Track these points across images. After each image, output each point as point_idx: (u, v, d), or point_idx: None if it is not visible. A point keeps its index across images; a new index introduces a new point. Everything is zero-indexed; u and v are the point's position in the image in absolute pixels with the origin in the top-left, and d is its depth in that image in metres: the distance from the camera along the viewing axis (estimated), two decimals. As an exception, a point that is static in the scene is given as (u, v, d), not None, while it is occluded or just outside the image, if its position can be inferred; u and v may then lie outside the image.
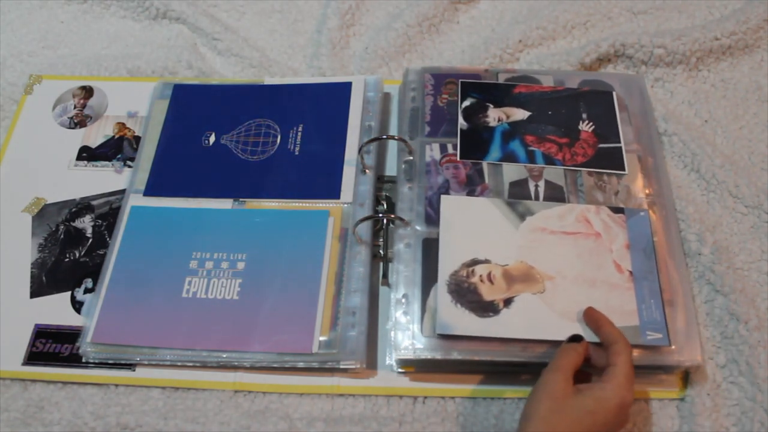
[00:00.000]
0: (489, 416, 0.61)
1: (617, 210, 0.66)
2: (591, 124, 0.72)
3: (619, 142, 0.71)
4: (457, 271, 0.63)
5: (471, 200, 0.67)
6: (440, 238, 0.64)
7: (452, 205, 0.66)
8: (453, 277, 0.62)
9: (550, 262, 0.63)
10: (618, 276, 0.62)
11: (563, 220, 0.65)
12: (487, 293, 0.62)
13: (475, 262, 0.63)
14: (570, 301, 0.61)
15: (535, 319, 0.60)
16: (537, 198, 0.68)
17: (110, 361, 0.63)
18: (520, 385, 0.61)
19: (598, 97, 0.74)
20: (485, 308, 0.61)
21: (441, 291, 0.62)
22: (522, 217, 0.65)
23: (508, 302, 0.61)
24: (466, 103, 0.73)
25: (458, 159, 0.70)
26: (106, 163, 0.76)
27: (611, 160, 0.70)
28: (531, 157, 0.70)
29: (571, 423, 0.50)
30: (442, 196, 0.67)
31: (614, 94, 0.74)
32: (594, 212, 0.65)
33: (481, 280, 0.62)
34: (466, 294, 0.62)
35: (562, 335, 0.58)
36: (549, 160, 0.69)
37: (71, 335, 0.65)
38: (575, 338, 0.58)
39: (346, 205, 0.69)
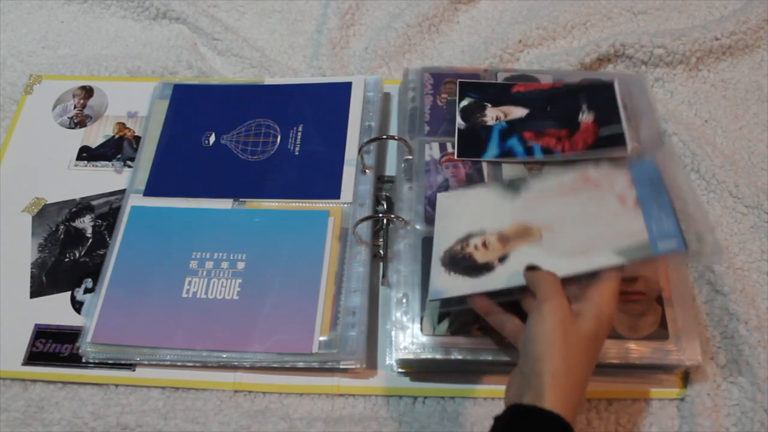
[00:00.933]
0: (489, 416, 0.61)
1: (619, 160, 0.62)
2: (591, 113, 0.71)
3: (620, 122, 0.69)
4: (452, 247, 0.61)
5: (466, 191, 0.66)
6: (435, 225, 0.63)
7: (448, 198, 0.65)
8: (447, 252, 0.60)
9: (547, 215, 0.59)
10: (622, 207, 0.57)
11: (562, 184, 0.61)
12: (482, 257, 0.59)
13: (469, 236, 0.61)
14: (571, 241, 0.56)
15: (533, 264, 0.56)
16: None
17: (110, 361, 0.63)
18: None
19: (598, 89, 0.73)
20: (479, 269, 0.58)
21: (435, 265, 0.60)
22: (518, 190, 0.62)
23: (502, 259, 0.58)
24: (464, 102, 0.73)
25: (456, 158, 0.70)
26: (106, 163, 0.76)
27: (612, 141, 0.68)
28: (529, 152, 0.69)
29: (580, 353, 0.48)
30: (438, 195, 0.66)
31: (615, 83, 0.72)
32: (593, 167, 0.61)
33: (476, 248, 0.60)
34: (459, 262, 0.59)
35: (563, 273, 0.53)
36: (548, 153, 0.69)
37: (71, 335, 0.65)
38: (533, 267, 0.54)
39: (346, 205, 0.69)
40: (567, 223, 0.58)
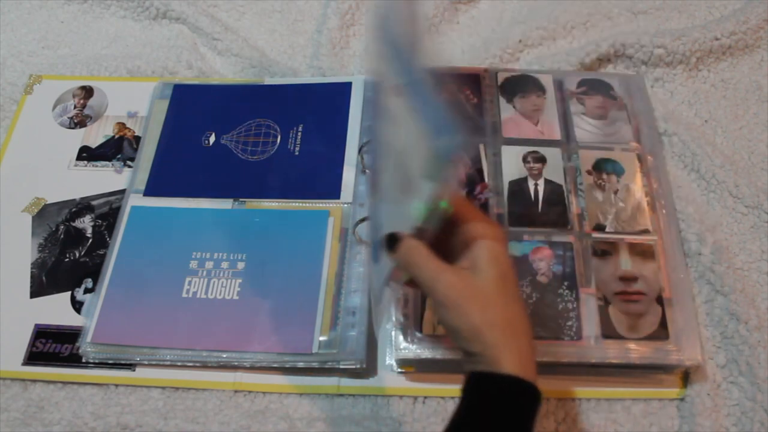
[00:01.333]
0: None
1: None
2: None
3: None
4: None
5: None
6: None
7: None
8: None
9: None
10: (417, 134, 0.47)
11: None
12: None
13: None
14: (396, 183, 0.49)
15: None
16: (536, 197, 0.68)
17: (110, 361, 0.63)
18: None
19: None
20: None
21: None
22: None
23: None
24: None
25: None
26: (106, 163, 0.76)
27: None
28: None
29: (502, 305, 0.45)
30: None
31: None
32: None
33: None
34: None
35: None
36: None
37: (71, 335, 0.65)
38: (392, 237, 0.47)
39: (346, 205, 0.69)
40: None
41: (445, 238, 0.48)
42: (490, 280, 0.45)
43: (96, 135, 0.78)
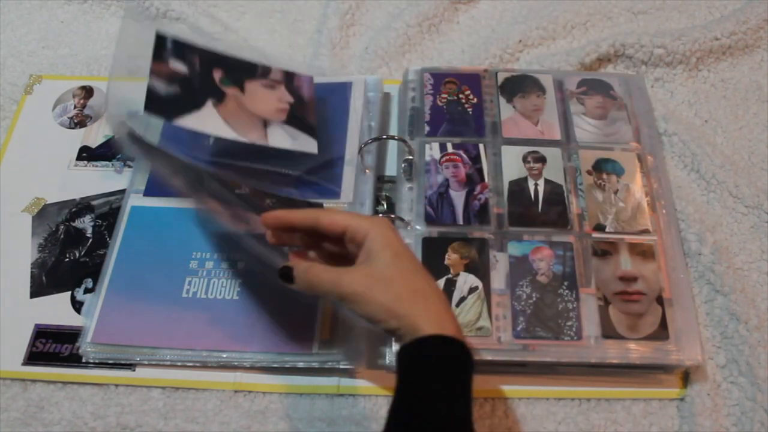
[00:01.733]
0: (489, 416, 0.61)
1: None
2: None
3: None
4: None
5: None
6: None
7: None
8: None
9: None
10: None
11: None
12: None
13: None
14: None
15: None
16: (536, 197, 0.68)
17: (110, 361, 0.63)
18: (520, 385, 0.62)
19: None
20: None
21: None
22: None
23: None
24: None
25: (458, 158, 0.70)
26: (106, 163, 0.76)
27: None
28: None
29: (407, 282, 0.47)
30: None
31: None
32: None
33: None
34: None
35: None
36: None
37: (71, 335, 0.65)
38: (284, 271, 0.51)
39: (346, 205, 0.69)
40: None
41: (339, 253, 0.53)
42: (386, 262, 0.48)
43: (96, 135, 0.78)
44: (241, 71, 0.70)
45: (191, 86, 0.67)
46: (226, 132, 0.66)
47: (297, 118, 0.70)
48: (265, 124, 0.68)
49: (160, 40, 0.67)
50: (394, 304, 0.46)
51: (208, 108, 0.67)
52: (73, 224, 0.72)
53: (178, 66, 0.67)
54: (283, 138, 0.68)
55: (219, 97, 0.68)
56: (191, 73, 0.67)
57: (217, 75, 0.69)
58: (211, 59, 0.69)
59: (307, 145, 0.69)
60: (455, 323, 0.47)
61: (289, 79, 0.72)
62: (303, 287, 0.51)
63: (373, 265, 0.48)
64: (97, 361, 0.63)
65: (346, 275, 0.48)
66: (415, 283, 0.48)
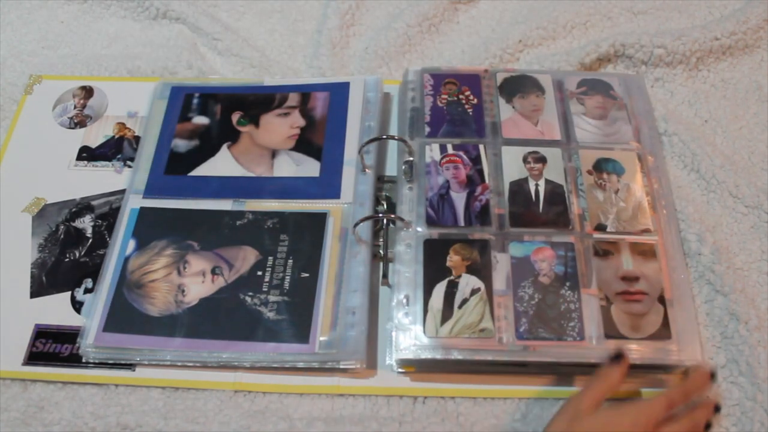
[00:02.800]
0: (489, 416, 0.61)
1: None
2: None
3: None
4: None
5: None
6: None
7: None
8: None
9: None
10: None
11: None
12: None
13: None
14: None
15: None
16: (537, 197, 0.68)
17: (110, 361, 0.63)
18: (520, 385, 0.62)
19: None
20: None
21: None
22: None
23: None
24: None
25: (458, 159, 0.70)
26: (106, 163, 0.76)
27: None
28: None
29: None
30: None
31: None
32: None
33: None
34: None
35: None
36: None
37: (71, 335, 0.65)
38: (618, 356, 0.57)
39: (346, 205, 0.69)
40: None
41: None
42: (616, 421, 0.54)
43: (96, 135, 0.78)
44: (259, 107, 0.75)
45: (210, 135, 0.73)
46: (235, 170, 0.71)
47: (305, 141, 0.73)
48: (273, 154, 0.72)
49: (188, 99, 0.75)
50: None
51: (223, 151, 0.72)
52: (73, 224, 0.72)
53: (200, 120, 0.73)
54: (288, 165, 0.71)
55: (234, 138, 0.73)
56: (211, 122, 0.74)
57: (235, 117, 0.74)
58: (232, 103, 0.76)
59: (311, 169, 0.71)
60: None
61: (305, 101, 0.75)
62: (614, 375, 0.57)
63: None
64: (97, 361, 0.63)
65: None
66: None
